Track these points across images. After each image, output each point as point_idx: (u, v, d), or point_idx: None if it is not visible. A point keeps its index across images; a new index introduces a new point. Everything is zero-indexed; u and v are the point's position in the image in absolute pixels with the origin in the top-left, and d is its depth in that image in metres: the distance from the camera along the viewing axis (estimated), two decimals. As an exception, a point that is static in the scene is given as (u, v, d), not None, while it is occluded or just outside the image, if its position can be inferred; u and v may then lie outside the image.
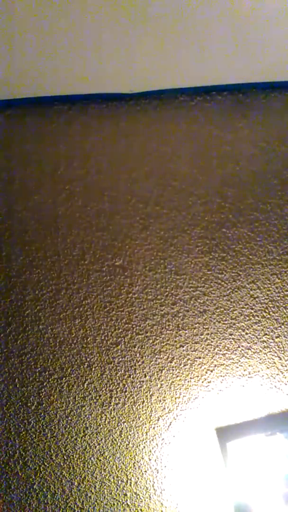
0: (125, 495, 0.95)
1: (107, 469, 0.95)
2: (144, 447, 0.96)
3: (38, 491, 0.93)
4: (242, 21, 0.94)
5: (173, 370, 0.98)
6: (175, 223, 1.06)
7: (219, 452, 0.94)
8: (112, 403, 0.96)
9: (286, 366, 1.01)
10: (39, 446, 0.94)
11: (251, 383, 0.99)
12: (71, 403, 0.96)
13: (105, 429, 0.96)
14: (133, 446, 0.96)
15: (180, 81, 1.09)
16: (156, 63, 1.02)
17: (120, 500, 0.94)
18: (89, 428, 0.95)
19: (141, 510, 0.95)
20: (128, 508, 0.94)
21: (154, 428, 0.96)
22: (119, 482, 0.95)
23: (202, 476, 0.96)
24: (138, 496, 0.95)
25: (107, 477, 0.94)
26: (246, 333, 1.01)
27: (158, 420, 0.97)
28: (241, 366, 1.00)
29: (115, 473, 0.95)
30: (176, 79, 1.09)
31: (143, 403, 0.97)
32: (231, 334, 1.01)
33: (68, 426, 0.95)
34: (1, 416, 0.94)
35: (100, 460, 0.95)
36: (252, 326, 1.02)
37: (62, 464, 0.94)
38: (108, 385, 0.97)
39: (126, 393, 0.97)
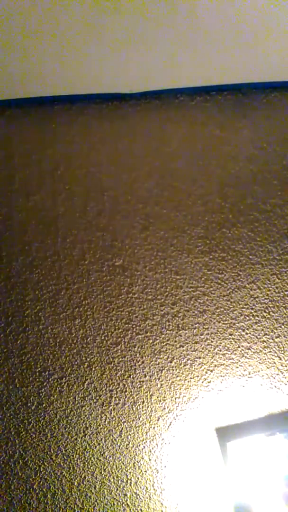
0: (125, 495, 0.95)
1: (107, 469, 0.95)
2: (144, 447, 0.96)
3: (38, 491, 0.93)
4: (242, 21, 0.94)
5: (173, 370, 0.98)
6: (175, 223, 1.06)
7: (219, 452, 0.94)
8: (112, 403, 0.96)
9: (286, 366, 1.01)
10: (39, 446, 0.94)
11: (251, 383, 0.99)
12: (71, 403, 0.95)
13: (105, 429, 0.95)
14: (133, 446, 0.96)
15: (180, 81, 1.09)
16: (156, 63, 1.02)
17: (120, 500, 0.94)
18: (89, 428, 0.95)
19: (141, 510, 0.95)
20: (128, 508, 0.94)
21: (154, 428, 0.96)
22: (119, 482, 0.95)
23: (202, 476, 0.95)
24: (138, 496, 0.95)
25: (107, 477, 0.94)
26: (246, 333, 1.01)
27: (158, 420, 0.97)
28: (241, 366, 1.00)
29: (115, 473, 0.95)
30: (176, 79, 1.09)
31: (143, 403, 0.97)
32: (231, 334, 1.01)
33: (68, 426, 0.95)
34: (1, 416, 0.94)
35: (100, 460, 0.95)
36: (252, 326, 1.02)
37: (62, 464, 0.94)
38: (108, 385, 0.97)
39: (126, 393, 0.97)
